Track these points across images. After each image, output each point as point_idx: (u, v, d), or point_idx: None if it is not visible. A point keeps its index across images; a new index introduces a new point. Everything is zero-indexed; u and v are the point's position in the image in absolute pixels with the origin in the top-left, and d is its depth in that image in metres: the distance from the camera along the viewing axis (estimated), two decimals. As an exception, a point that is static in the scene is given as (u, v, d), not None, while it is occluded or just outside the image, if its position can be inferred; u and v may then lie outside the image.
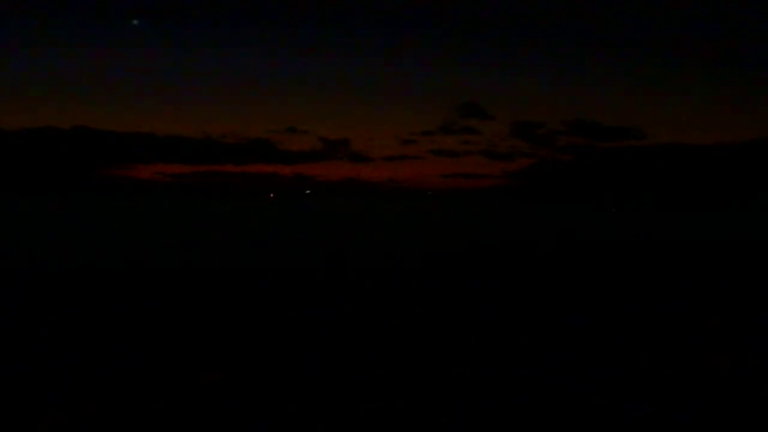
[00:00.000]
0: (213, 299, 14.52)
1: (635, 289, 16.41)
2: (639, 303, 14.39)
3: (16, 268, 20.54)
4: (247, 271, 20.37)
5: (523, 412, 7.40)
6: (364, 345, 10.33)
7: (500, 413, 7.36)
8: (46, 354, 9.56)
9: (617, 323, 12.15)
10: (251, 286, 16.73)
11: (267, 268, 21.08)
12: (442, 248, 30.34)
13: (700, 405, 7.66)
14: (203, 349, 10.01)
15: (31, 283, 16.87)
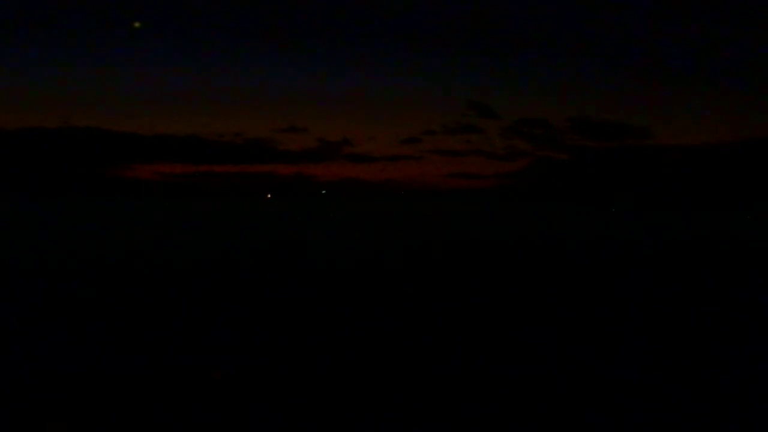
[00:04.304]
0: (213, 299, 14.54)
1: (634, 289, 16.43)
2: (638, 303, 14.41)
3: (17, 267, 20.55)
4: (247, 270, 20.38)
5: (520, 410, 7.43)
6: (364, 344, 10.36)
7: (498, 411, 7.38)
8: (48, 353, 9.58)
9: (616, 323, 12.18)
10: (251, 285, 16.75)
11: (267, 268, 21.09)
12: (441, 248, 30.34)
13: (695, 405, 7.69)
14: (204, 348, 10.03)
15: (32, 282, 16.88)
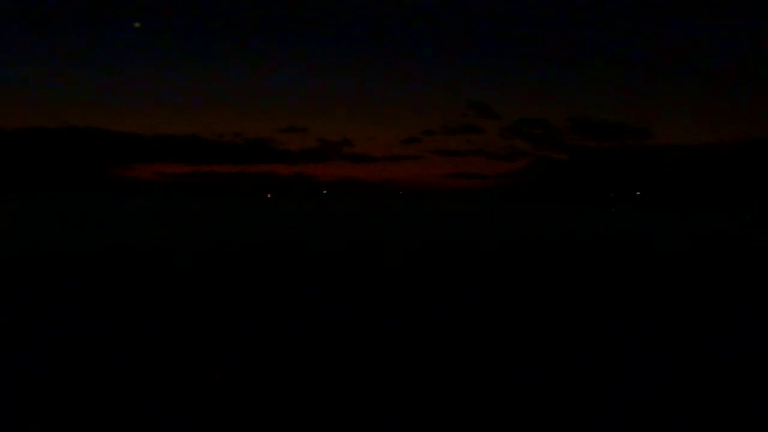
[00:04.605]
0: (213, 299, 14.54)
1: (634, 288, 16.43)
2: (638, 302, 14.42)
3: (17, 267, 20.55)
4: (247, 270, 20.38)
5: (519, 409, 7.44)
6: (364, 344, 10.36)
7: (497, 410, 7.39)
8: (48, 352, 9.59)
9: (616, 321, 12.19)
10: (251, 285, 16.74)
11: (267, 268, 21.09)
12: (441, 248, 30.33)
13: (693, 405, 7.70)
14: (204, 348, 10.04)
15: (33, 281, 16.88)
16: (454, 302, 14.43)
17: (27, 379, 8.39)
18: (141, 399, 7.69)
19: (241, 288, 16.39)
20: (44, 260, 23.01)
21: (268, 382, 8.42)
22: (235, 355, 9.66)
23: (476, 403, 7.69)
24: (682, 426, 7.09)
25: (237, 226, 50.42)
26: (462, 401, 7.75)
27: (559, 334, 11.25)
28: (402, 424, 7.04)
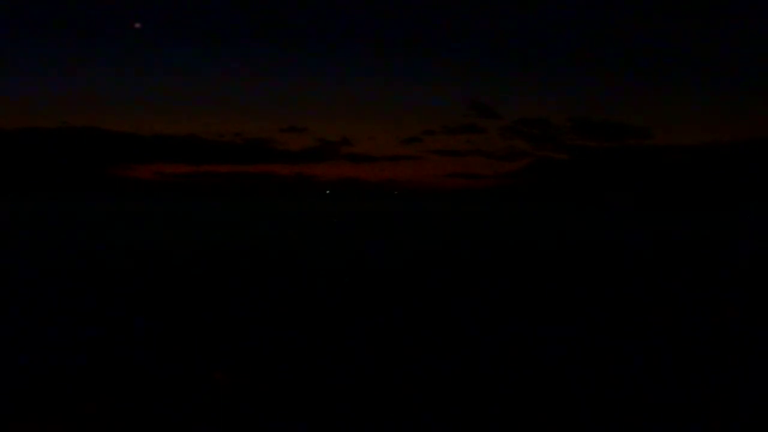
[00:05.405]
0: (213, 299, 14.55)
1: (633, 289, 16.45)
2: (637, 303, 14.43)
3: (17, 267, 20.56)
4: (248, 270, 20.39)
5: (518, 410, 7.44)
6: (363, 344, 10.38)
7: (496, 411, 7.40)
8: (47, 354, 9.59)
9: (615, 323, 12.20)
10: (251, 285, 16.76)
11: (267, 268, 21.11)
12: (441, 248, 30.35)
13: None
14: (205, 348, 10.04)
15: (32, 282, 16.89)
16: (454, 302, 14.44)
17: (26, 378, 8.39)
18: (140, 399, 7.69)
19: (242, 288, 16.40)
20: (44, 260, 23.02)
21: (270, 382, 8.42)
22: (237, 356, 9.66)
23: (473, 403, 7.70)
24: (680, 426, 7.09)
25: (237, 227, 50.41)
26: (460, 401, 7.76)
27: (559, 334, 11.25)
28: (401, 424, 7.04)
